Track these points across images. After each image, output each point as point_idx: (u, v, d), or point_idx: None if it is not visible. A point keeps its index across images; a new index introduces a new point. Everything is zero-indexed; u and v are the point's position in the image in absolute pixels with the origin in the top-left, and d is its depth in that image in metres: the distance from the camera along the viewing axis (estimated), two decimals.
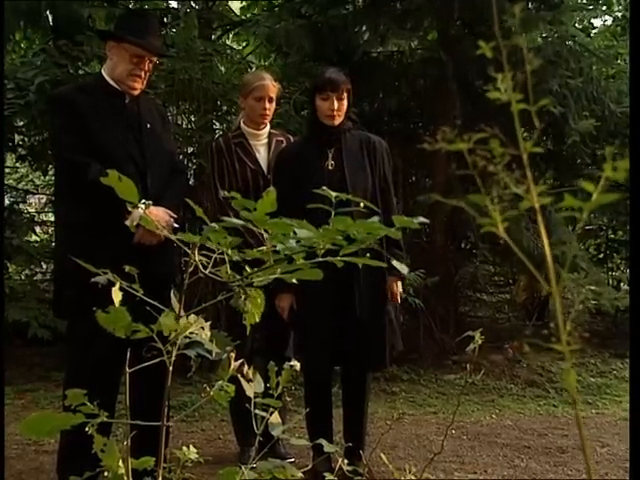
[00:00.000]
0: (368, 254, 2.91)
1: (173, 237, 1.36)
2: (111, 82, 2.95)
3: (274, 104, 3.58)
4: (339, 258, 1.07)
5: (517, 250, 0.57)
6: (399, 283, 3.30)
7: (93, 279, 1.36)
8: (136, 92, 2.97)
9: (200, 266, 1.22)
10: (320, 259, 1.08)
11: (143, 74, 2.95)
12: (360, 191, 3.08)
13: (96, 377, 2.64)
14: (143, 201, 2.67)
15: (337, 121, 3.22)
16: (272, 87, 3.53)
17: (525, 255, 0.71)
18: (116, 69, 2.94)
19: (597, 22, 8.02)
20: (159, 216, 2.77)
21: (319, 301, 3.10)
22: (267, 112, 3.52)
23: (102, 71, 3.03)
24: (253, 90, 3.51)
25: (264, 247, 1.14)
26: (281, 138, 3.60)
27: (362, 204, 1.36)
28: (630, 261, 2.62)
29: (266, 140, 3.57)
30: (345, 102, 3.24)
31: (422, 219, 1.10)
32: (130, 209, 2.50)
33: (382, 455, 1.75)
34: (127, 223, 2.63)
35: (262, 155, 3.52)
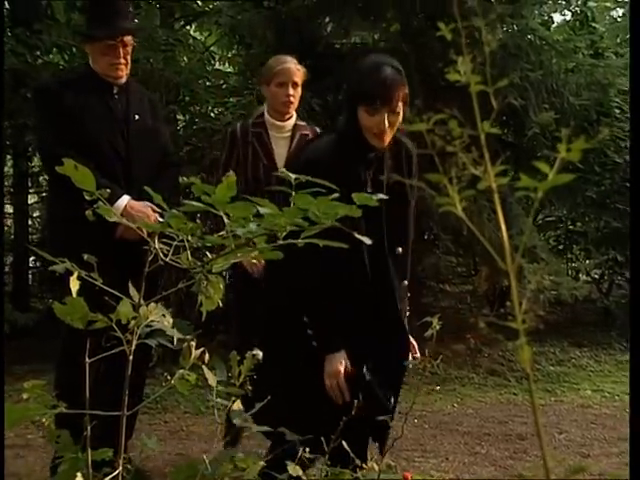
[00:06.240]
0: None
1: (145, 236, 1.32)
2: (98, 73, 2.94)
3: (299, 90, 3.27)
4: (300, 240, 1.07)
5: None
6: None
7: (50, 268, 1.34)
8: (122, 80, 2.96)
9: (160, 254, 1.21)
10: (281, 242, 1.08)
11: (123, 60, 2.93)
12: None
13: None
14: (107, 190, 2.64)
15: (387, 142, 2.26)
16: (296, 71, 3.25)
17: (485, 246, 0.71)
18: (98, 63, 2.94)
19: (557, 17, 8.16)
20: (141, 211, 2.72)
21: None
22: (291, 99, 3.22)
23: (90, 63, 3.00)
24: (275, 75, 3.22)
25: (223, 232, 1.14)
26: (307, 132, 3.31)
27: None
28: (630, 259, 2.67)
29: (289, 134, 3.29)
30: (400, 115, 2.22)
31: (381, 195, 1.11)
32: (88, 198, 2.47)
33: (344, 443, 1.76)
34: (87, 213, 2.60)
35: (280, 150, 3.26)
